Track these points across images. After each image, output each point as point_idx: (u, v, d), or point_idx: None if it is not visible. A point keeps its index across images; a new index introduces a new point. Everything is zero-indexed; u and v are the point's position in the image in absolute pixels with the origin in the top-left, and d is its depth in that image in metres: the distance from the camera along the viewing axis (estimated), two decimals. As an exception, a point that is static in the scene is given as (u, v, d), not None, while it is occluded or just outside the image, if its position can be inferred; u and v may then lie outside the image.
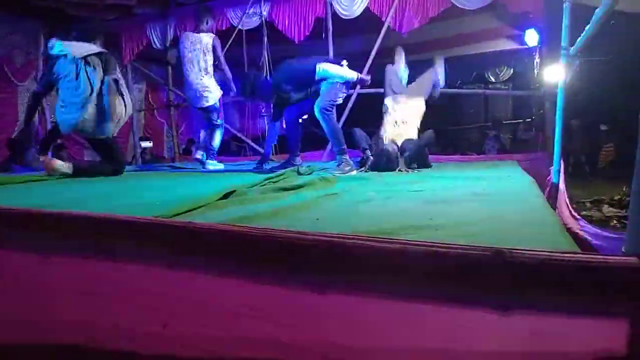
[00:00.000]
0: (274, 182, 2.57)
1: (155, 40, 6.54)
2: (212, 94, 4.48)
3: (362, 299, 0.87)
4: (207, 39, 4.49)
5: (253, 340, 0.88)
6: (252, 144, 6.98)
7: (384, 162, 3.44)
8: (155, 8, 6.60)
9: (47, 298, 1.02)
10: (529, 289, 0.79)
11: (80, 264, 1.05)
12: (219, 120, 4.58)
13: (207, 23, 4.61)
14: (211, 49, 4.47)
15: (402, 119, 3.81)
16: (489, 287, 0.81)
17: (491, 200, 1.89)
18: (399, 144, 3.61)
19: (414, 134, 3.76)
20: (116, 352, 0.92)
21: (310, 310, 0.87)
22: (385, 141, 3.72)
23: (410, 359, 0.83)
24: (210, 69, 4.52)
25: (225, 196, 2.02)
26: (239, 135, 7.26)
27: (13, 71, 6.60)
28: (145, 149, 7.79)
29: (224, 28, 6.23)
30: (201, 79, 4.45)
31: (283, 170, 3.03)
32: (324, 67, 3.47)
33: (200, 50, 4.45)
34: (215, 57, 4.52)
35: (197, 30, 4.63)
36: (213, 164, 4.52)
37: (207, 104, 4.48)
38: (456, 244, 0.87)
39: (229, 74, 4.59)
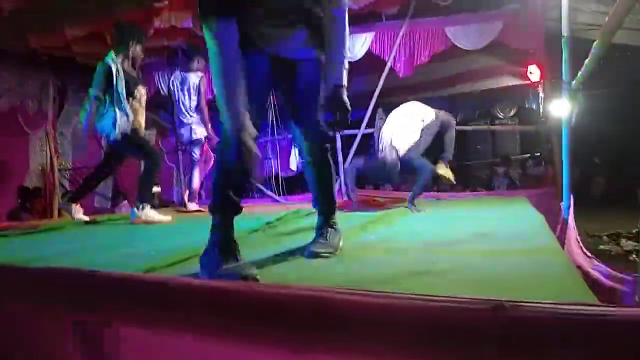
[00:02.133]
0: (273, 227, 2.52)
1: (163, 87, 6.69)
2: (200, 129, 4.59)
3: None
4: (194, 78, 4.59)
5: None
6: (260, 186, 6.97)
7: (382, 175, 3.22)
8: (163, 57, 6.79)
9: None
10: (534, 348, 0.71)
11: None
12: (196, 156, 4.63)
13: (197, 62, 4.67)
14: (197, 87, 4.57)
15: (399, 121, 3.56)
16: (488, 346, 0.73)
17: (498, 242, 1.81)
18: (398, 147, 3.33)
19: (414, 138, 3.45)
20: None
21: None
22: (381, 147, 3.42)
23: None
24: (199, 106, 4.62)
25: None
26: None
27: (26, 120, 6.76)
28: (153, 194, 7.80)
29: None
30: (191, 117, 4.56)
31: (284, 213, 2.97)
32: None
33: (189, 89, 4.56)
34: (198, 98, 4.59)
35: (186, 69, 4.70)
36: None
37: (195, 137, 4.57)
38: (451, 296, 0.80)
39: (206, 117, 4.62)
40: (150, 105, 7.43)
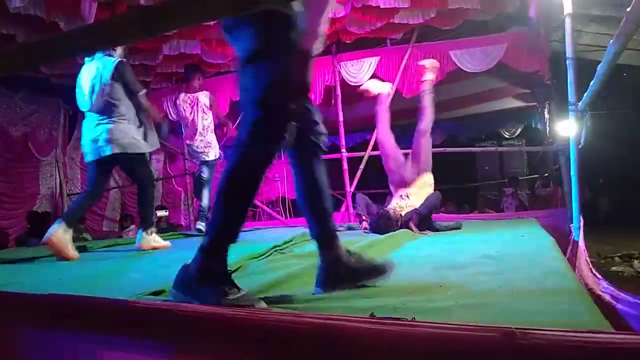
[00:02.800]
0: (281, 251, 2.50)
1: (172, 112, 6.78)
2: (213, 150, 4.60)
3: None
4: (203, 98, 4.60)
5: None
6: (267, 209, 6.98)
7: (383, 223, 3.30)
8: (171, 82, 6.92)
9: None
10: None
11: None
12: (206, 176, 4.58)
13: (198, 80, 4.67)
14: (209, 106, 4.60)
15: (408, 192, 3.73)
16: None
17: (507, 265, 1.78)
18: (403, 214, 3.47)
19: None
20: None
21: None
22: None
23: None
24: (211, 126, 4.63)
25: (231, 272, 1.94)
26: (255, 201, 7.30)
27: (36, 147, 6.87)
28: (161, 217, 7.84)
29: (235, 99, 6.47)
30: (204, 137, 4.55)
31: (292, 236, 2.96)
32: None
33: (200, 109, 4.55)
34: (214, 114, 4.65)
35: (189, 90, 4.66)
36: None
37: (207, 159, 4.56)
38: (460, 324, 0.78)
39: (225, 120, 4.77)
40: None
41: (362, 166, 6.00)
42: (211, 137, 4.60)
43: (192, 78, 4.63)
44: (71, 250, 2.89)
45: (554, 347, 0.69)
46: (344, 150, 6.13)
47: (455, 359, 0.72)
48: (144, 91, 3.31)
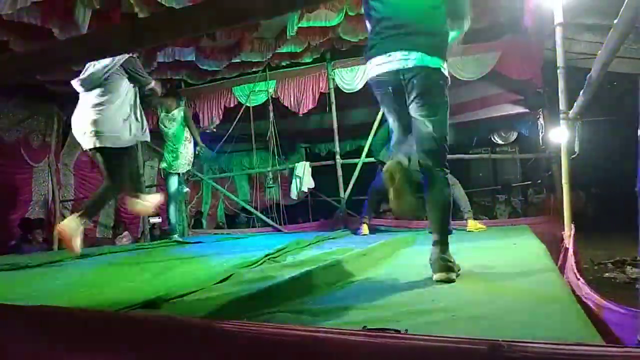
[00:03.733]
0: (275, 259, 2.50)
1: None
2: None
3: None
4: (178, 115, 5.09)
5: None
6: (261, 215, 6.97)
7: None
8: (166, 89, 6.90)
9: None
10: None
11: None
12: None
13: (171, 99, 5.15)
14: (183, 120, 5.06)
15: None
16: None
17: (499, 275, 1.78)
18: None
19: None
20: None
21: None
22: None
23: None
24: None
25: (223, 280, 1.94)
26: (248, 207, 7.30)
27: (29, 153, 6.82)
28: (154, 224, 7.80)
29: (232, 105, 6.48)
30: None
31: (285, 244, 2.95)
32: None
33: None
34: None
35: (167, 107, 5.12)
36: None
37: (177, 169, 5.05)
38: (449, 337, 0.78)
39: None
40: (154, 135, 7.56)
41: (356, 173, 6.01)
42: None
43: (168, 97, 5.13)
44: (76, 243, 2.82)
45: (541, 359, 0.69)
46: (338, 157, 6.14)
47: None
48: (153, 82, 3.41)
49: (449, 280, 1.68)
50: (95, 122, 3.06)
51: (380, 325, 1.10)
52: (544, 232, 3.82)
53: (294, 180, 6.58)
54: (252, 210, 7.13)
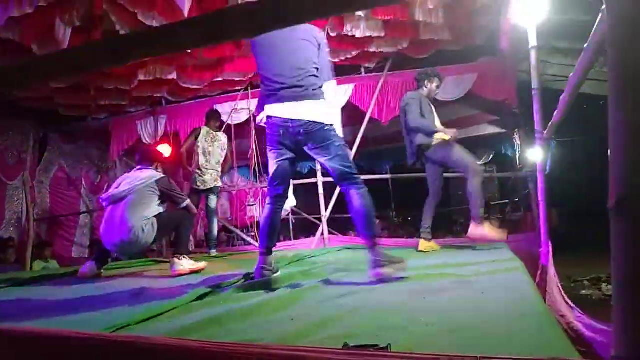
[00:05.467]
0: (253, 278, 2.47)
1: (146, 136, 6.72)
2: (217, 181, 5.26)
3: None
4: (224, 138, 5.35)
5: None
6: (241, 234, 6.90)
7: None
8: (147, 106, 6.87)
9: None
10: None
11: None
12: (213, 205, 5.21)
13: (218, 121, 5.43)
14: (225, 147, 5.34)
15: None
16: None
17: (478, 289, 1.80)
18: None
19: None
20: None
21: None
22: None
23: None
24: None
25: (200, 297, 1.91)
26: (228, 226, 7.23)
27: (4, 170, 6.66)
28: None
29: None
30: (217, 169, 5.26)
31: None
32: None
33: (220, 146, 5.26)
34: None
35: (214, 128, 5.33)
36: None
37: (215, 184, 5.20)
38: (428, 353, 0.79)
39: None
40: (133, 153, 7.47)
41: (337, 190, 6.02)
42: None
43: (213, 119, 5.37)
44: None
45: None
46: (319, 174, 6.16)
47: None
48: (188, 200, 3.59)
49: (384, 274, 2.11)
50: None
51: (361, 340, 1.10)
52: (521, 249, 3.87)
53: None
54: (233, 229, 7.06)
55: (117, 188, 3.37)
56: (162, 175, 3.48)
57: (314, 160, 2.46)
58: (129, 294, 2.27)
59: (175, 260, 3.24)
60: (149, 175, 3.40)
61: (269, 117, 2.36)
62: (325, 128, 2.26)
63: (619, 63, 0.78)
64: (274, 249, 2.47)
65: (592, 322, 1.41)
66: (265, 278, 2.27)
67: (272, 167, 2.42)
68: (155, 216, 3.30)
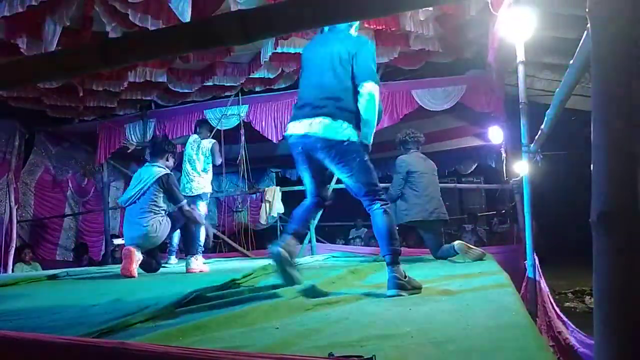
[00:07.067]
0: (240, 284, 2.45)
1: (134, 139, 6.67)
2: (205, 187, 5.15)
3: None
4: (207, 144, 5.19)
5: None
6: (229, 240, 6.86)
7: None
8: (136, 109, 6.82)
9: None
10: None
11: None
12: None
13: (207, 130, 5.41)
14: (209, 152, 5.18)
15: None
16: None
17: (464, 301, 1.81)
18: None
19: None
20: None
21: None
22: None
23: None
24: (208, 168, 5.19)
25: (186, 304, 1.89)
26: (216, 232, 7.17)
27: (-14, 170, 6.54)
28: (117, 246, 7.55)
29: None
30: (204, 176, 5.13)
31: (252, 269, 2.91)
32: None
33: (204, 153, 5.14)
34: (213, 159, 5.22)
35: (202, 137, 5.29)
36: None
37: (204, 191, 5.11)
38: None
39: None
40: (121, 156, 7.40)
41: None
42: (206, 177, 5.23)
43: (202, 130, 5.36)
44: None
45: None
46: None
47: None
48: (184, 201, 3.86)
49: (400, 295, 1.99)
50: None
51: (346, 350, 1.10)
52: (506, 261, 3.91)
53: (263, 205, 6.54)
54: (220, 234, 7.01)
55: (132, 190, 3.78)
56: (165, 172, 3.81)
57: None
58: (113, 297, 2.24)
59: (192, 260, 3.78)
60: (155, 173, 3.76)
61: (287, 136, 2.34)
62: (345, 144, 2.14)
63: (602, 78, 0.80)
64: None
65: (583, 338, 1.43)
66: (278, 255, 2.16)
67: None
68: (167, 214, 3.74)
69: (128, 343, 0.87)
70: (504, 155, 6.15)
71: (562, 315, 1.87)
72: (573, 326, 1.64)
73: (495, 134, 6.11)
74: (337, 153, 2.17)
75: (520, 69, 3.36)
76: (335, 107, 2.18)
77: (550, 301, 2.35)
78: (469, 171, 9.34)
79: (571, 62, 1.62)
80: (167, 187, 3.73)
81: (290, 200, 6.62)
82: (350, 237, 9.06)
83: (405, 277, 2.08)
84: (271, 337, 1.36)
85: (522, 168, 3.50)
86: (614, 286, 0.76)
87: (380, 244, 2.18)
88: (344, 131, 2.16)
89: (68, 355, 0.85)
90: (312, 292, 2.08)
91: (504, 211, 8.07)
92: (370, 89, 2.19)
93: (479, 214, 9.22)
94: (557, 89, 2.02)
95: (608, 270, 0.76)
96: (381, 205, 2.18)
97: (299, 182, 7.39)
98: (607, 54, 0.77)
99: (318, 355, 1.05)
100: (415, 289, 2.08)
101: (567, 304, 5.55)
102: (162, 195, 3.74)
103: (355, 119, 2.20)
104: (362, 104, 2.19)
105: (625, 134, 0.78)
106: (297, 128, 2.24)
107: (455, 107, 5.98)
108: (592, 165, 0.84)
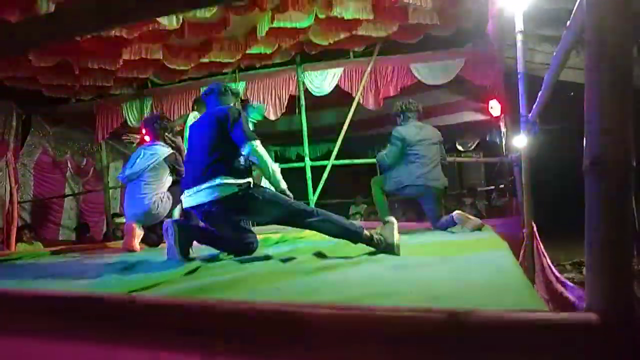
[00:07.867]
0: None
1: (131, 118, 6.65)
2: None
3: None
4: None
5: None
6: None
7: None
8: (132, 88, 6.78)
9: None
10: (487, 352, 0.74)
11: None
12: None
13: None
14: None
15: None
16: (444, 353, 0.75)
17: (461, 263, 1.86)
18: None
19: None
20: None
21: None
22: None
23: None
24: None
25: (191, 272, 1.93)
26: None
27: (-15, 151, 6.54)
28: (119, 224, 7.61)
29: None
30: None
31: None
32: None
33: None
34: None
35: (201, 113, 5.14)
36: None
37: None
38: (410, 307, 0.82)
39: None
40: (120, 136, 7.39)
41: (325, 175, 6.05)
42: None
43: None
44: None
45: (493, 323, 0.74)
46: (307, 158, 6.17)
47: (407, 338, 0.76)
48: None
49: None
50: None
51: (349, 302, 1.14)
52: (505, 232, 3.95)
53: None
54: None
55: (132, 167, 3.76)
56: (170, 152, 3.87)
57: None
58: (120, 267, 2.28)
59: None
60: (160, 152, 3.81)
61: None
62: (240, 194, 2.32)
63: (596, 30, 0.81)
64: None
65: (582, 294, 1.48)
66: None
67: None
68: (169, 190, 3.76)
69: (136, 296, 0.90)
70: (503, 129, 6.15)
71: (560, 276, 1.91)
72: (571, 284, 1.68)
73: (495, 107, 6.09)
74: (237, 206, 2.42)
75: (519, 38, 3.34)
76: (217, 172, 2.43)
77: (548, 264, 2.40)
78: (471, 148, 9.33)
79: (567, 23, 1.61)
80: (175, 164, 3.83)
81: (289, 178, 6.63)
82: (350, 213, 9.11)
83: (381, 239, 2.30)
84: (272, 297, 1.39)
85: (520, 140, 3.52)
86: (604, 231, 0.78)
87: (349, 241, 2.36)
88: (233, 186, 2.39)
89: (78, 308, 0.88)
90: (312, 259, 2.12)
91: (502, 185, 8.09)
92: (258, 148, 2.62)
93: (479, 189, 9.25)
94: (555, 52, 2.02)
95: (598, 215, 0.79)
96: (317, 221, 2.31)
97: (299, 159, 7.40)
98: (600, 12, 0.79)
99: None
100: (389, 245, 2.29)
101: (566, 274, 5.63)
102: (166, 173, 3.81)
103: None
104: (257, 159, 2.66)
105: (617, 88, 0.80)
106: (189, 201, 2.55)
107: (454, 81, 5.95)
108: (584, 117, 0.86)
